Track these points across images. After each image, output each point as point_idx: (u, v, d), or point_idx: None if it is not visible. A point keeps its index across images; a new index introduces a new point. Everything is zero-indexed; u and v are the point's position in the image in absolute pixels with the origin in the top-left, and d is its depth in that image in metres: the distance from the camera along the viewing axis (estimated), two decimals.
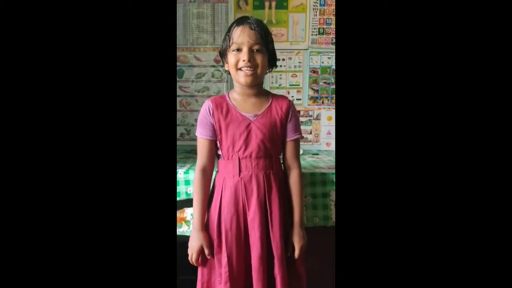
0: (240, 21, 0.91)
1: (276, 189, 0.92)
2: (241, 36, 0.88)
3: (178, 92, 1.70)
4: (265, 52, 0.91)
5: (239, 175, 0.91)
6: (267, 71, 0.98)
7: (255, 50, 0.89)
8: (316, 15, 1.62)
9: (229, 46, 0.90)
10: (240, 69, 0.90)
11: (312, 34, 1.64)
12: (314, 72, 1.67)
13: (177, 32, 1.66)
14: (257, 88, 0.95)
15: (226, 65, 0.95)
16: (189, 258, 0.93)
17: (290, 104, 0.96)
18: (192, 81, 1.69)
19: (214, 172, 0.99)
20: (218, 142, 0.94)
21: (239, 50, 0.89)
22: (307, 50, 1.65)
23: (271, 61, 0.96)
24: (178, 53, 1.67)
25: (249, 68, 0.88)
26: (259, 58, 0.89)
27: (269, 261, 0.91)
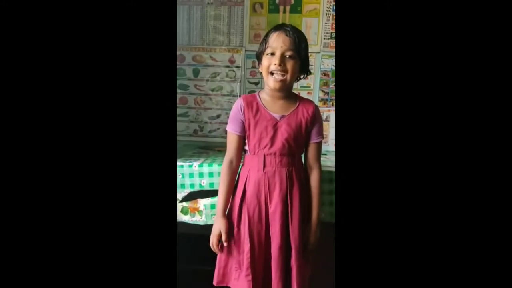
0: (277, 27, 0.97)
1: (297, 185, 0.98)
2: (275, 41, 0.94)
3: (193, 90, 1.77)
4: (297, 59, 0.95)
5: (264, 170, 0.97)
6: (299, 77, 1.03)
7: (287, 56, 0.93)
8: (328, 19, 1.67)
9: (264, 50, 0.96)
10: (271, 73, 0.94)
11: (324, 38, 1.69)
12: (325, 75, 1.72)
13: (194, 33, 1.73)
14: (286, 91, 1.00)
15: (260, 66, 1.01)
16: (210, 243, 1.00)
17: (316, 109, 1.02)
18: (207, 80, 1.76)
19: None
20: (246, 138, 1.00)
21: (272, 54, 0.94)
22: (319, 53, 1.70)
23: (303, 68, 1.00)
24: (194, 53, 1.74)
25: (279, 73, 0.93)
26: (290, 64, 0.94)
27: (287, 252, 0.97)
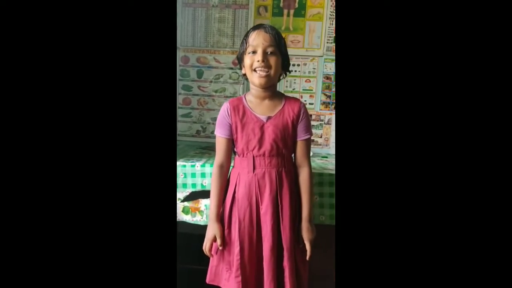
0: (255, 27, 0.98)
1: (287, 185, 0.98)
2: (256, 39, 0.95)
3: (197, 91, 1.79)
4: (278, 55, 0.96)
5: (253, 172, 0.97)
6: (282, 76, 1.04)
7: (269, 52, 0.94)
8: (332, 24, 1.69)
9: (246, 49, 0.97)
10: (255, 70, 0.95)
11: (327, 42, 1.70)
12: (327, 78, 1.73)
13: (199, 35, 1.75)
14: (271, 90, 1.01)
15: (243, 68, 1.01)
16: (203, 247, 1.00)
17: (302, 106, 1.01)
18: (211, 81, 1.77)
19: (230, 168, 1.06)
20: (234, 141, 1.00)
21: (254, 52, 0.95)
22: (322, 57, 1.71)
23: (285, 64, 1.01)
24: (198, 55, 1.76)
25: (263, 69, 0.94)
26: (272, 60, 0.95)
27: (279, 252, 0.97)
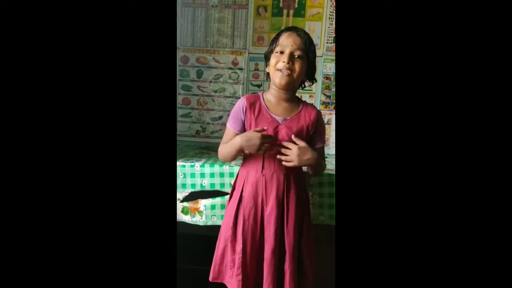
0: (289, 28, 0.98)
1: (294, 190, 0.98)
2: (286, 40, 0.95)
3: (196, 91, 1.79)
4: (305, 60, 0.96)
5: (262, 172, 0.97)
6: (305, 83, 1.04)
7: (296, 56, 0.94)
8: (331, 24, 1.69)
9: (274, 49, 0.97)
10: (278, 70, 0.95)
11: (327, 42, 1.71)
12: (327, 78, 1.73)
13: (198, 35, 1.75)
14: (290, 93, 1.00)
15: (267, 67, 1.01)
16: (258, 145, 0.92)
17: (318, 114, 1.02)
18: (210, 81, 1.77)
19: (238, 167, 1.06)
20: None
21: (282, 52, 0.95)
22: (322, 57, 1.71)
23: (310, 72, 1.00)
24: (198, 55, 1.76)
25: (286, 70, 0.93)
26: (298, 64, 0.94)
27: (280, 256, 0.97)
